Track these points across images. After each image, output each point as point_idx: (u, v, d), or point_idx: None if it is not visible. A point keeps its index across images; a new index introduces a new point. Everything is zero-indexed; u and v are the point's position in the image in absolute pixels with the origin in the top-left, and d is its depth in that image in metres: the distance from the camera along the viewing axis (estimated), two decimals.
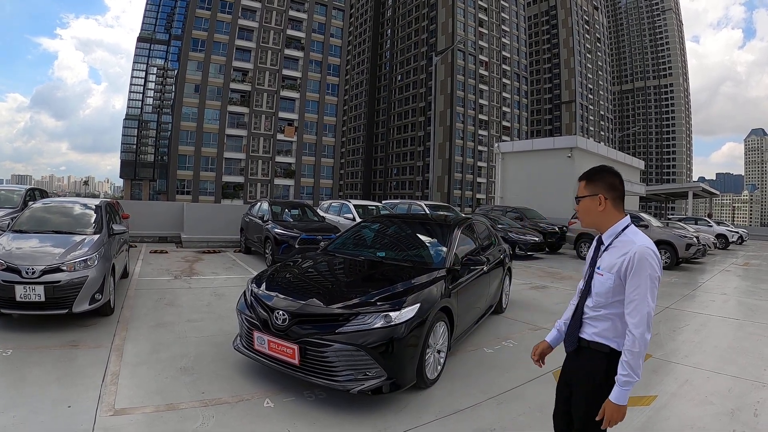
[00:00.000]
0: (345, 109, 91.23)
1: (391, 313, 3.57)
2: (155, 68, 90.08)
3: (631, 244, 2.02)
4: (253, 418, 3.29)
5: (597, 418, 2.00)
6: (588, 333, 2.14)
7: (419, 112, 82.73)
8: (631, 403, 3.72)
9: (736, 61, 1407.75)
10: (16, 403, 3.29)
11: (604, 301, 2.09)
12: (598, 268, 2.13)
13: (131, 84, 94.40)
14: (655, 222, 14.61)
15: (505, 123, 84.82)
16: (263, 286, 4.15)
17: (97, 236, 5.82)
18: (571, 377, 2.24)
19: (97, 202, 6.99)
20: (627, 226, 2.11)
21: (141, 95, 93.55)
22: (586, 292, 2.19)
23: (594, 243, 2.27)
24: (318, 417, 3.36)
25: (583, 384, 2.14)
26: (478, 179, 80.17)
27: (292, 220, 11.59)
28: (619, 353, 2.03)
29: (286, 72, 62.33)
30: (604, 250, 2.14)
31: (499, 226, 14.77)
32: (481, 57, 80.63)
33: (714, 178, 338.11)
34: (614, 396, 1.95)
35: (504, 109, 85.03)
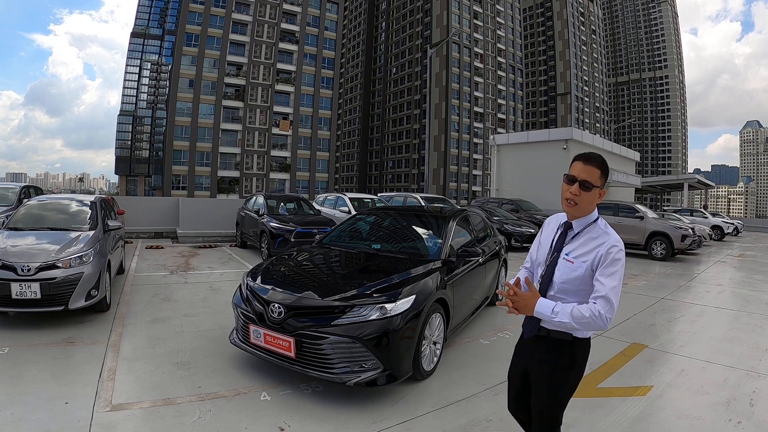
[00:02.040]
0: (340, 103, 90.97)
1: (386, 305, 3.57)
2: (149, 63, 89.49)
3: (606, 237, 2.01)
4: (249, 412, 3.29)
5: (499, 291, 2.07)
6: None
7: (414, 104, 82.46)
8: (627, 394, 3.78)
9: (733, 54, 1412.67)
10: (13, 400, 3.29)
11: (571, 289, 2.03)
12: (567, 254, 2.07)
13: (125, 80, 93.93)
14: (650, 213, 14.65)
15: (500, 115, 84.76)
16: (259, 279, 4.14)
17: (92, 232, 5.81)
18: (531, 366, 2.15)
19: (91, 198, 6.97)
20: (597, 218, 2.09)
21: (135, 91, 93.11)
22: (547, 279, 2.10)
23: (555, 228, 2.20)
24: (315, 410, 3.36)
25: (546, 374, 2.07)
26: (474, 171, 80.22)
27: (287, 213, 11.58)
28: (582, 339, 2.03)
29: (280, 66, 62.04)
30: (573, 237, 2.09)
31: (495, 218, 14.81)
32: (476, 49, 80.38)
33: (710, 170, 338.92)
34: (541, 304, 1.93)
35: (499, 101, 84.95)
